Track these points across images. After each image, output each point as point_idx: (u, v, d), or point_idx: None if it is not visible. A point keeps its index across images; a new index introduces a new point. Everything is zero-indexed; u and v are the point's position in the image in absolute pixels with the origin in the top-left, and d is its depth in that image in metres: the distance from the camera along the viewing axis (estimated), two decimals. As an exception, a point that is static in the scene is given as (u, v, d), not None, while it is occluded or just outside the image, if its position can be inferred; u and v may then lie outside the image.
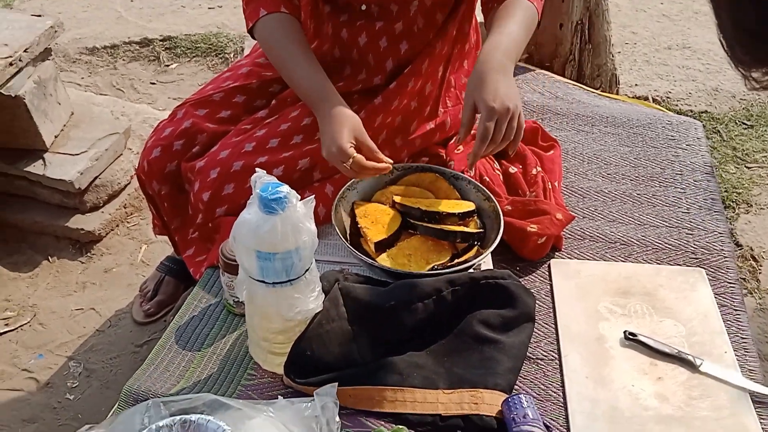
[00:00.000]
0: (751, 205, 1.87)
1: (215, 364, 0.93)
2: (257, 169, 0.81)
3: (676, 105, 2.21)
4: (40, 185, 1.73)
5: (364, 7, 1.16)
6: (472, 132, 1.04)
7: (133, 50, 2.51)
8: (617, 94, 1.84)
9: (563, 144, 1.36)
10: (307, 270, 0.83)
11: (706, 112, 2.20)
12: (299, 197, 0.79)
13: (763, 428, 0.86)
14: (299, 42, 1.08)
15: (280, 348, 0.88)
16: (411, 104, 1.22)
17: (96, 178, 1.73)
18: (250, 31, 1.11)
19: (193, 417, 0.73)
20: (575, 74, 1.76)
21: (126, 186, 1.81)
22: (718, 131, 2.13)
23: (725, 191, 1.88)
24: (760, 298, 1.62)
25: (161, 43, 2.53)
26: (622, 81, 2.14)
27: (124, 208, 1.78)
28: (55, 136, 1.77)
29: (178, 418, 0.72)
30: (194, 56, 2.49)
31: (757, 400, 0.89)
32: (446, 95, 1.28)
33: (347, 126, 1.00)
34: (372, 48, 1.18)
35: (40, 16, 1.81)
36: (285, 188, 0.76)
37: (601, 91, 1.75)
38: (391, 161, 1.03)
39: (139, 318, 1.51)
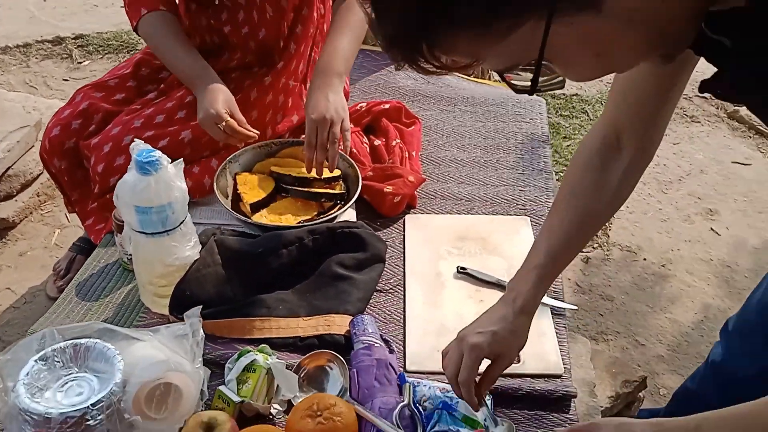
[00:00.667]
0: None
1: (111, 311, 1.10)
2: (135, 139, 0.98)
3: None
4: (-46, 176, 1.83)
5: (217, 1, 1.34)
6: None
7: (46, 48, 2.61)
8: (489, 79, 2.08)
9: (427, 121, 1.58)
10: (181, 222, 1.00)
11: (576, 95, 2.47)
12: (170, 161, 0.97)
13: (556, 330, 1.09)
14: (176, 33, 1.25)
15: (164, 291, 1.05)
16: (288, 83, 1.40)
17: (9, 168, 1.84)
18: (135, 29, 1.27)
19: (83, 341, 0.89)
20: (449, 62, 1.98)
21: (39, 175, 1.92)
22: (586, 111, 2.41)
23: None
24: (608, 251, 1.89)
25: (74, 41, 2.63)
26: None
27: (38, 196, 1.90)
28: (-33, 130, 1.87)
29: (70, 342, 0.89)
30: (106, 53, 2.60)
31: (555, 312, 1.12)
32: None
33: (222, 95, 1.19)
34: (236, 34, 1.37)
35: (-54, 16, 1.90)
36: (157, 153, 0.94)
37: (474, 77, 1.98)
38: (257, 132, 1.21)
39: (52, 294, 1.64)
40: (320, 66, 1.25)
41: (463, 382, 0.86)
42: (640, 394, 1.45)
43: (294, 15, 1.38)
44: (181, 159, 0.98)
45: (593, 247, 1.90)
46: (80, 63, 2.52)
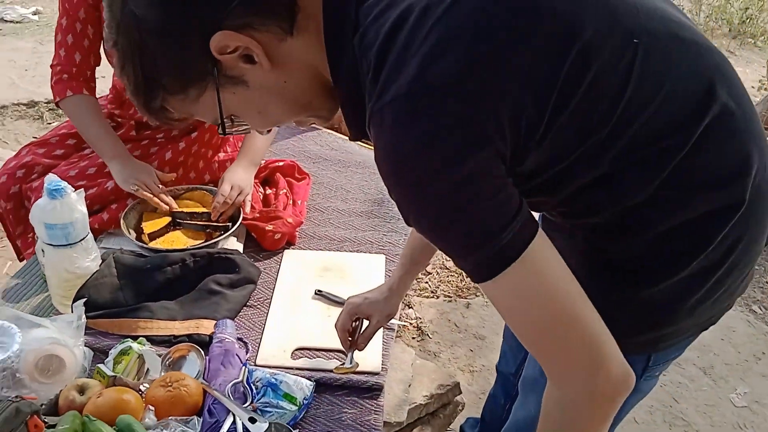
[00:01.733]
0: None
1: (27, 310, 1.37)
2: (52, 174, 1.29)
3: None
4: None
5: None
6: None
7: (21, 110, 2.96)
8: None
9: (320, 178, 1.90)
10: (82, 239, 1.29)
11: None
12: (74, 190, 1.27)
13: (383, 339, 1.37)
14: (95, 116, 1.59)
15: (69, 294, 1.33)
16: (200, 150, 1.74)
17: (-30, 207, 2.13)
18: (57, 104, 1.61)
19: (-6, 322, 1.17)
20: (358, 133, 2.33)
21: (-3, 216, 2.21)
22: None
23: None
24: (487, 299, 2.19)
25: (46, 104, 2.98)
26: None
27: (-7, 232, 2.18)
28: (-63, 174, 2.17)
29: (-18, 322, 1.16)
30: (74, 117, 2.95)
31: (385, 327, 1.40)
32: (227, 145, 1.81)
33: (146, 169, 1.53)
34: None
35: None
36: (63, 183, 1.24)
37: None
38: (163, 189, 1.54)
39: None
40: (244, 152, 1.68)
41: (337, 327, 1.25)
42: (456, 398, 1.73)
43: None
44: (82, 189, 1.29)
45: (476, 295, 2.20)
46: (49, 123, 2.87)
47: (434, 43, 0.64)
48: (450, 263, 2.38)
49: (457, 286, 2.27)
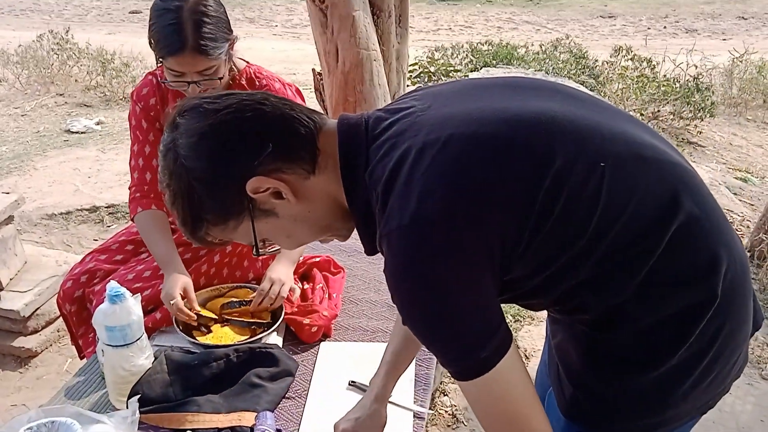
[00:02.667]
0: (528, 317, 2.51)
1: (86, 407, 1.49)
2: (113, 281, 1.45)
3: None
4: (-6, 315, 2.32)
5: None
6: None
7: (83, 215, 3.22)
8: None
9: (354, 271, 2.03)
10: (138, 339, 1.43)
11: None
12: (132, 295, 1.42)
13: (414, 430, 1.44)
14: (158, 229, 1.75)
15: (124, 390, 1.45)
16: (244, 249, 1.89)
17: (37, 309, 2.33)
18: (132, 219, 1.79)
19: (57, 418, 1.29)
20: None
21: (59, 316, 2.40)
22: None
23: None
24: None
25: (106, 209, 3.24)
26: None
27: (57, 331, 2.36)
28: (10, 279, 2.39)
29: (48, 419, 1.29)
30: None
31: (416, 415, 1.48)
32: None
33: (181, 282, 1.64)
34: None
35: (8, 193, 2.51)
36: (122, 289, 1.40)
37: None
38: (194, 316, 1.64)
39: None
40: (282, 254, 1.80)
41: None
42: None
43: None
44: (139, 294, 1.44)
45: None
46: (109, 226, 3.11)
47: (426, 183, 0.78)
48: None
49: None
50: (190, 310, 1.63)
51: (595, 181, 0.79)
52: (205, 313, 1.69)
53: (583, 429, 0.97)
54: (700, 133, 4.85)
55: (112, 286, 1.41)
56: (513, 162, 0.78)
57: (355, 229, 0.93)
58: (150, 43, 1.58)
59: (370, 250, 0.93)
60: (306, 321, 1.70)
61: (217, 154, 0.85)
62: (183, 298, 1.62)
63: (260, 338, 1.63)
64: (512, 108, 0.84)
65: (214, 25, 1.57)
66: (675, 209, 0.82)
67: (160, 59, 1.59)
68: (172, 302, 1.61)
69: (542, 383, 1.18)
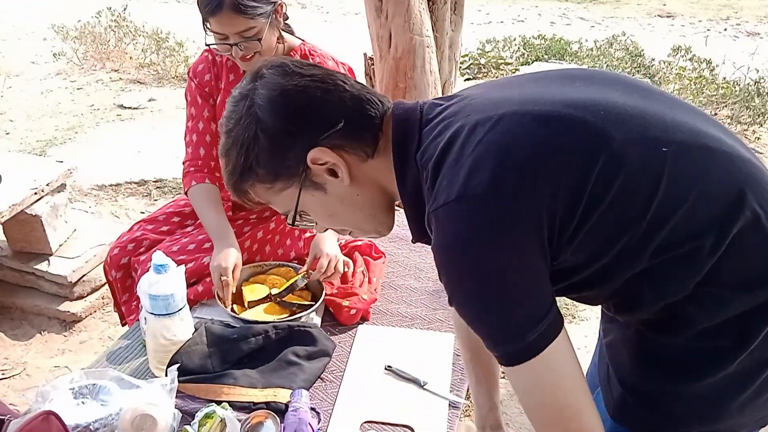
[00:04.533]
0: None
1: (126, 372, 1.52)
2: (159, 251, 1.47)
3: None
4: (44, 279, 2.38)
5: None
6: None
7: (132, 188, 3.29)
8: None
9: (395, 257, 2.01)
10: (180, 309, 1.45)
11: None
12: (177, 266, 1.43)
13: (448, 420, 1.42)
14: (211, 201, 1.76)
15: (164, 358, 1.47)
16: (286, 227, 1.90)
17: (84, 275, 2.39)
18: (185, 193, 1.81)
19: (99, 381, 1.32)
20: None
21: (106, 283, 2.45)
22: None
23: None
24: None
25: (154, 183, 3.30)
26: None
27: (102, 298, 2.42)
28: (60, 245, 2.46)
29: (90, 381, 1.32)
30: (177, 193, 3.24)
31: (451, 405, 1.46)
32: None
33: (233, 256, 1.65)
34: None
35: (62, 162, 2.58)
36: (167, 260, 1.41)
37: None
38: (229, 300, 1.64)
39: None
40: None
41: None
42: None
43: None
44: (183, 265, 1.45)
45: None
46: (156, 200, 3.17)
47: (476, 158, 0.77)
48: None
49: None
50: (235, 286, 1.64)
51: (656, 165, 0.77)
52: (249, 294, 1.70)
53: None
54: (758, 138, 4.67)
55: (158, 256, 1.43)
56: (566, 140, 0.77)
57: (404, 214, 0.91)
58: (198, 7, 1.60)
59: (417, 236, 0.92)
60: (345, 303, 1.70)
61: (292, 113, 0.86)
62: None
63: (300, 317, 1.64)
64: (570, 93, 0.82)
65: None
66: (740, 206, 0.78)
67: (206, 24, 1.60)
68: (222, 278, 1.62)
69: (591, 383, 1.15)
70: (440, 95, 2.51)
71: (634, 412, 0.91)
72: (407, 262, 2.01)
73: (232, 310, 1.66)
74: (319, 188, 0.89)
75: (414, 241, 0.94)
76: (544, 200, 0.75)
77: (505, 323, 0.78)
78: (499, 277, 0.75)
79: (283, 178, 0.89)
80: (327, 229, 1.00)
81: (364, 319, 1.73)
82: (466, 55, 5.57)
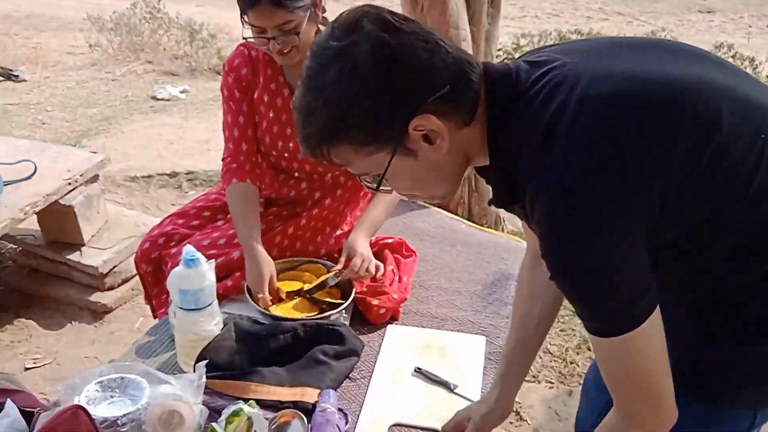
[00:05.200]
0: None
1: (155, 366, 1.52)
2: (189, 245, 1.45)
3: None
4: (76, 269, 2.40)
5: (297, 174, 1.86)
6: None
7: (163, 180, 3.30)
8: (502, 230, 2.46)
9: (426, 256, 1.97)
10: (209, 305, 1.43)
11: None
12: (207, 260, 1.42)
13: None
14: (247, 204, 1.72)
15: (193, 353, 1.46)
16: (318, 224, 1.87)
17: (115, 267, 2.40)
18: (224, 190, 1.79)
19: (127, 375, 1.31)
20: (466, 213, 2.40)
21: (136, 275, 2.47)
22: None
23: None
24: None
25: (185, 175, 3.31)
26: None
27: (132, 290, 2.43)
28: (92, 235, 2.47)
29: (118, 375, 1.31)
30: (208, 186, 3.25)
31: (481, 408, 1.42)
32: (343, 222, 1.93)
33: (267, 273, 1.62)
34: (298, 195, 1.87)
35: (95, 153, 2.59)
36: (198, 254, 1.40)
37: (487, 226, 2.38)
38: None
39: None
40: (365, 223, 1.76)
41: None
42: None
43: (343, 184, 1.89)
44: (213, 260, 1.44)
45: (579, 383, 2.13)
46: (186, 193, 3.18)
47: (590, 136, 0.78)
48: (554, 347, 2.34)
49: (560, 372, 2.22)
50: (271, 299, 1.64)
51: (756, 151, 0.80)
52: (283, 288, 1.68)
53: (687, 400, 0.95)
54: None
55: (188, 250, 1.41)
56: (680, 123, 0.78)
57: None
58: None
59: (500, 202, 0.92)
60: (375, 302, 1.67)
61: (401, 76, 0.80)
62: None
63: (329, 315, 1.61)
64: (674, 71, 0.83)
65: None
66: None
67: (244, 17, 1.58)
68: (260, 296, 1.61)
69: None
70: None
71: (690, 380, 0.94)
72: (438, 261, 1.97)
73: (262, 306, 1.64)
74: (410, 154, 0.85)
75: (496, 205, 0.93)
76: (655, 182, 0.77)
77: (611, 297, 0.80)
78: (610, 251, 0.77)
79: (378, 142, 0.84)
80: (392, 191, 0.95)
81: (393, 318, 1.70)
82: (500, 49, 5.48)
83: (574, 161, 0.77)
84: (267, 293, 1.62)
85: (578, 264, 0.79)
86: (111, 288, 2.38)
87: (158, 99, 4.81)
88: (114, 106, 4.56)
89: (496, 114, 0.85)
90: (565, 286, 0.83)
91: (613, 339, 0.82)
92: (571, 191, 0.77)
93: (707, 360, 0.94)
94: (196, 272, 1.39)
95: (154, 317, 1.91)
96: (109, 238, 2.47)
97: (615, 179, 0.76)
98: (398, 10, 2.51)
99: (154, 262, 1.85)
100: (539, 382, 2.19)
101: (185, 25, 5.94)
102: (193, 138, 3.79)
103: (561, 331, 2.39)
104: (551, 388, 2.16)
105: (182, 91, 4.96)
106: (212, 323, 1.46)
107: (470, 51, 2.39)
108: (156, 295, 1.87)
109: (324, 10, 1.71)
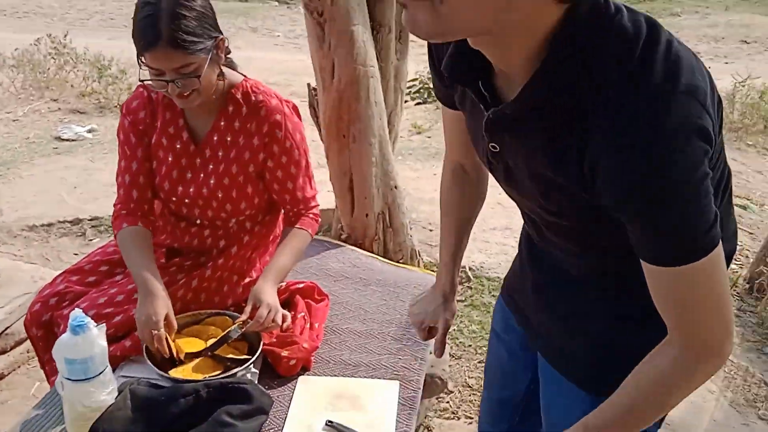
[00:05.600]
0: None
1: (44, 442, 1.39)
2: (77, 309, 1.35)
3: (487, 273, 2.83)
4: (-37, 333, 2.21)
5: (198, 221, 1.78)
6: None
7: (65, 228, 3.12)
8: (417, 264, 2.45)
9: (339, 298, 1.93)
10: (100, 373, 1.33)
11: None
12: (96, 325, 1.32)
13: None
14: (144, 247, 1.65)
15: (84, 426, 1.35)
16: (224, 275, 1.79)
17: (7, 328, 2.23)
18: (115, 236, 1.70)
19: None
20: (381, 250, 2.38)
21: (31, 335, 2.30)
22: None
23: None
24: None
25: (89, 221, 3.15)
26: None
27: (27, 352, 2.26)
28: (-19, 295, 2.29)
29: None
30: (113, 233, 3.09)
31: None
32: (252, 269, 1.86)
33: (162, 308, 1.53)
34: (202, 244, 1.79)
35: (-15, 205, 2.42)
36: (87, 319, 1.30)
37: (402, 262, 2.36)
38: (167, 352, 1.52)
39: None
40: (272, 270, 1.67)
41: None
42: None
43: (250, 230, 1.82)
44: (104, 324, 1.34)
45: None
46: (90, 240, 3.02)
47: (675, 61, 0.81)
48: (472, 380, 2.33)
49: (479, 406, 2.20)
50: (167, 338, 1.53)
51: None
52: (184, 347, 1.59)
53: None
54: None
55: (75, 315, 1.31)
56: (714, 97, 0.85)
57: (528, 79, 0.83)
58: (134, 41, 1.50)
59: (533, 95, 0.83)
60: (284, 353, 1.60)
61: None
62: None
63: (235, 373, 1.53)
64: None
65: (195, 20, 1.48)
66: None
67: (141, 58, 1.50)
68: (155, 332, 1.50)
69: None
70: (385, 127, 2.46)
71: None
72: (352, 303, 1.93)
73: (169, 363, 1.54)
74: None
75: (517, 103, 0.86)
76: (712, 123, 0.82)
77: (701, 219, 0.82)
78: (695, 178, 0.79)
79: None
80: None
81: (305, 368, 1.64)
82: (416, 79, 5.57)
83: (670, 90, 0.79)
84: (162, 331, 1.50)
85: (665, 190, 0.80)
86: (3, 352, 2.20)
87: (63, 139, 4.58)
88: (14, 149, 4.31)
89: (584, 10, 0.80)
90: (645, 210, 0.83)
91: (695, 264, 0.84)
92: (657, 111, 0.78)
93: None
94: (84, 339, 1.29)
95: (50, 383, 1.77)
96: (1, 296, 2.30)
97: (700, 111, 0.80)
98: (307, 47, 2.51)
99: (45, 326, 1.72)
100: (459, 419, 2.17)
101: (93, 61, 5.73)
102: (99, 180, 3.62)
103: (479, 362, 2.39)
104: (470, 423, 2.14)
105: (89, 131, 4.76)
106: (104, 392, 1.36)
107: (379, 87, 2.40)
108: (48, 360, 1.73)
109: (228, 51, 1.66)
